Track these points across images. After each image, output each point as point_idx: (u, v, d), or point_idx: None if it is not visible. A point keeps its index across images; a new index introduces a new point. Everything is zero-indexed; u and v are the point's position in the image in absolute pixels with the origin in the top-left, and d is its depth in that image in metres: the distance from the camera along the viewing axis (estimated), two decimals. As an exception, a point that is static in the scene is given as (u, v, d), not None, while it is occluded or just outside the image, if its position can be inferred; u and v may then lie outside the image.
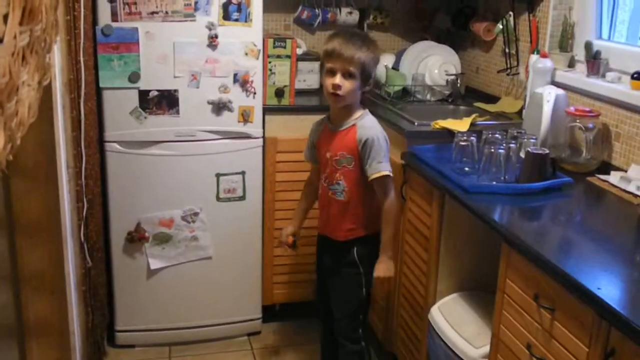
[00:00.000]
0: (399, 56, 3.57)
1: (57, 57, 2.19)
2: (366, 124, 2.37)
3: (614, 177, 2.35)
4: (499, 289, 2.02)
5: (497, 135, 2.46)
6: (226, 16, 2.85)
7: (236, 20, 2.87)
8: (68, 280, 2.32)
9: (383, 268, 2.40)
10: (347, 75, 2.28)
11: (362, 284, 2.48)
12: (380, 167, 2.33)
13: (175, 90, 2.88)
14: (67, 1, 2.36)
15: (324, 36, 3.68)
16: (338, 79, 2.28)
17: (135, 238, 2.99)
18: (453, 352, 2.31)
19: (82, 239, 2.56)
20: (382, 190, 2.37)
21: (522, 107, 3.01)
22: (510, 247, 1.93)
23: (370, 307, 2.65)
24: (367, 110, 2.43)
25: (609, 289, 1.60)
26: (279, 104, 3.14)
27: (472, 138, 2.50)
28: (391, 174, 2.36)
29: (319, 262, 2.64)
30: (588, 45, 2.69)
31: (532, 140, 2.43)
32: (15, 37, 0.70)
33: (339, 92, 2.29)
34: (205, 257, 3.10)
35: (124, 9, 2.73)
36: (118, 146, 2.89)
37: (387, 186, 2.37)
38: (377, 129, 2.38)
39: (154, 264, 3.04)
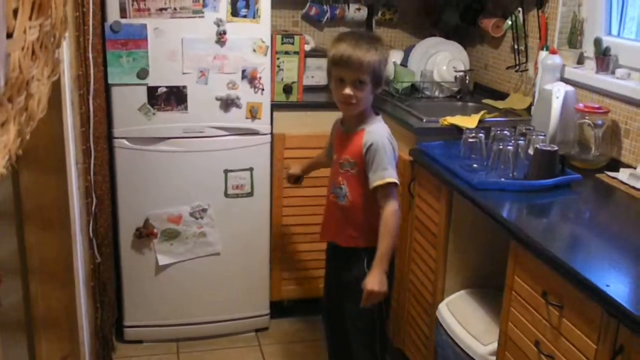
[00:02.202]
0: (407, 53, 3.57)
1: (66, 53, 2.20)
2: (374, 129, 2.26)
3: (623, 174, 2.34)
4: (507, 286, 2.01)
5: (505, 132, 2.46)
6: (234, 12, 2.85)
7: (244, 16, 2.87)
8: (77, 276, 2.32)
9: (376, 281, 2.17)
10: (358, 83, 2.19)
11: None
12: (386, 174, 2.21)
13: (184, 87, 2.88)
14: (76, -3, 2.36)
15: (333, 32, 3.68)
16: (349, 89, 2.18)
17: (144, 234, 3.00)
18: (461, 348, 2.31)
19: (91, 234, 2.57)
20: (384, 199, 2.22)
21: (531, 104, 3.00)
22: (519, 244, 1.92)
23: (387, 320, 2.50)
24: (379, 117, 2.34)
25: (617, 286, 1.59)
26: (287, 100, 3.14)
27: (480, 135, 2.50)
28: (397, 182, 2.23)
29: (328, 273, 2.58)
30: (597, 42, 2.67)
31: (541, 137, 2.43)
32: (24, 31, 0.71)
33: (352, 101, 2.21)
34: (214, 253, 3.11)
35: (132, 5, 2.74)
36: (127, 142, 2.90)
37: (390, 195, 2.22)
38: (384, 135, 2.26)
39: (162, 260, 3.05)
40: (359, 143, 2.26)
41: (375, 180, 2.21)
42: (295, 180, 2.72)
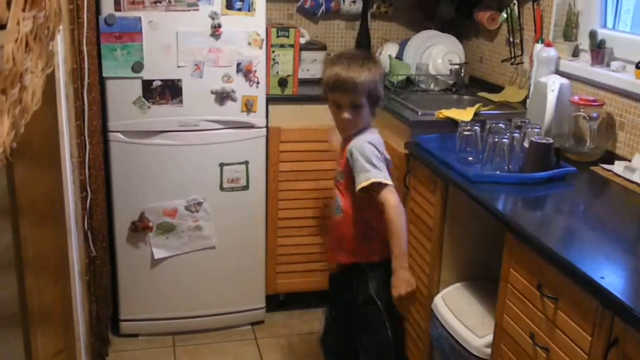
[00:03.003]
0: (402, 46, 3.56)
1: (60, 46, 2.19)
2: (361, 137, 2.18)
3: (618, 167, 2.35)
4: (502, 278, 2.02)
5: (500, 125, 2.46)
6: (229, 5, 2.84)
7: (239, 9, 2.86)
8: (72, 270, 2.32)
9: (401, 282, 2.05)
10: (354, 107, 2.14)
11: (384, 321, 2.24)
12: (369, 175, 2.09)
13: (179, 80, 2.87)
14: (70, -10, 2.35)
15: (328, 25, 3.68)
16: (347, 114, 2.14)
17: (139, 228, 2.99)
18: (456, 341, 2.31)
19: (86, 228, 2.57)
20: (380, 199, 2.10)
21: (526, 97, 3.00)
22: (514, 237, 1.93)
23: (403, 345, 2.45)
24: (373, 129, 2.25)
25: (612, 278, 1.60)
26: (283, 93, 3.13)
27: (475, 127, 2.50)
28: (385, 182, 2.09)
29: (333, 301, 2.48)
30: (592, 35, 2.67)
31: (536, 130, 2.43)
32: (18, 23, 0.70)
33: (351, 125, 2.17)
34: (209, 246, 3.11)
35: (127, -2, 2.73)
36: (121, 136, 2.89)
37: (385, 194, 2.09)
38: (365, 139, 2.16)
39: (158, 254, 3.04)
40: (345, 152, 2.21)
41: (360, 183, 2.11)
42: None
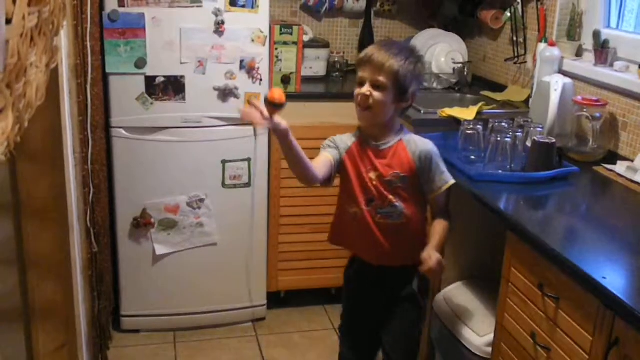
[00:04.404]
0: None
1: (63, 41, 2.19)
2: (414, 138, 2.11)
3: (620, 167, 2.35)
4: (503, 277, 2.02)
5: (503, 124, 2.46)
6: (233, 2, 2.84)
7: (243, 6, 2.86)
8: (74, 265, 2.32)
9: (431, 252, 2.05)
10: (376, 86, 1.99)
11: (419, 320, 2.28)
12: (447, 177, 2.11)
13: (182, 77, 2.88)
14: (74, -14, 2.35)
15: (331, 23, 3.68)
16: (365, 88, 2.00)
17: (141, 224, 2.99)
18: (457, 340, 2.31)
19: (89, 224, 2.57)
20: (445, 201, 2.15)
21: (529, 96, 3.00)
22: (516, 236, 1.93)
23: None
24: (404, 127, 2.17)
25: (614, 278, 1.60)
26: (286, 90, 3.12)
27: (478, 126, 2.50)
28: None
29: (359, 295, 2.31)
30: (596, 34, 2.67)
31: (539, 129, 2.43)
32: (23, 17, 0.70)
33: (368, 102, 2.00)
34: (211, 243, 3.11)
35: (130, -6, 2.73)
36: (124, 132, 2.90)
37: (449, 196, 2.16)
38: (428, 140, 2.13)
39: (160, 250, 3.05)
40: (404, 155, 2.08)
41: (443, 185, 2.10)
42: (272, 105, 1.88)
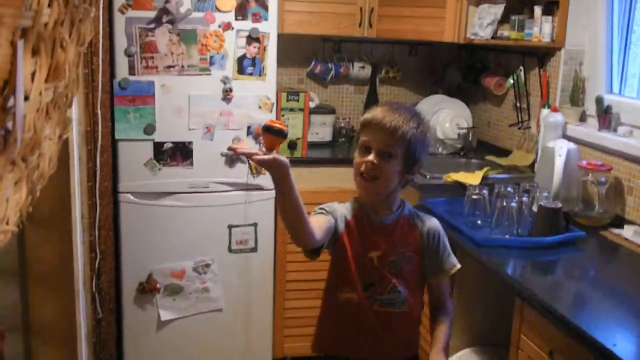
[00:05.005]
0: (410, 109, 3.61)
1: (75, 109, 2.23)
2: (418, 213, 1.88)
3: (627, 231, 2.34)
4: (512, 344, 1.99)
5: (509, 189, 2.47)
6: (241, 70, 2.90)
7: (250, 74, 2.92)
8: (79, 332, 2.31)
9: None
10: (386, 155, 1.72)
11: None
12: (454, 259, 1.87)
13: (190, 142, 2.91)
14: (85, 55, 2.41)
15: (337, 89, 3.74)
16: (372, 156, 1.71)
17: (147, 289, 2.98)
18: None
19: (94, 290, 2.57)
20: (448, 286, 1.92)
21: (534, 161, 3.02)
22: (524, 302, 1.91)
23: None
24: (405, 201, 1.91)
25: (624, 344, 1.58)
26: (292, 156, 3.16)
27: (484, 191, 2.51)
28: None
29: None
30: (599, 100, 2.71)
31: (545, 194, 2.44)
32: (40, 94, 0.73)
33: (375, 173, 1.73)
34: (216, 309, 3.09)
35: (141, 62, 2.79)
36: (132, 197, 2.91)
37: (453, 282, 1.96)
38: (432, 217, 1.91)
39: (165, 316, 3.02)
40: (410, 232, 1.83)
41: (451, 268, 1.85)
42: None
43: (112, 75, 2.79)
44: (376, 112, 1.75)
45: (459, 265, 1.87)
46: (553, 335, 1.77)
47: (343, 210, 1.81)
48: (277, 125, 1.56)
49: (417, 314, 1.86)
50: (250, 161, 1.49)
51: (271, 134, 1.55)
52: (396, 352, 1.87)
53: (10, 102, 0.67)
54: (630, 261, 2.21)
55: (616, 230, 2.39)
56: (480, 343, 2.52)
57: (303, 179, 3.13)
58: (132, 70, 2.80)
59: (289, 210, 1.61)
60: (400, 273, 1.80)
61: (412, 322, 1.87)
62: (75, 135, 2.24)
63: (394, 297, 1.79)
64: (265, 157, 1.51)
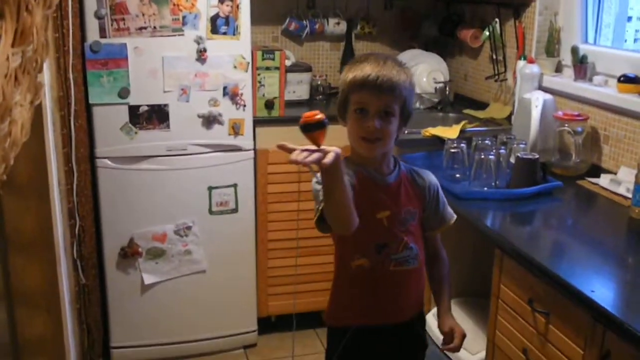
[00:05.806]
0: (387, 65, 3.59)
1: (46, 75, 2.19)
2: (416, 169, 1.86)
3: (604, 180, 2.37)
4: (493, 294, 2.02)
5: (487, 142, 2.48)
6: (214, 30, 2.86)
7: (224, 33, 2.88)
8: (63, 298, 2.31)
9: (457, 331, 1.86)
10: (384, 114, 1.67)
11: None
12: (451, 211, 1.90)
13: (165, 105, 2.88)
14: (55, 19, 2.36)
15: (312, 47, 3.71)
16: (376, 121, 1.66)
17: (129, 253, 2.98)
18: (449, 358, 2.31)
19: (76, 256, 2.56)
20: (436, 237, 1.94)
21: (511, 113, 3.03)
22: (503, 253, 1.94)
23: None
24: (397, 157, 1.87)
25: (602, 291, 1.61)
26: (269, 115, 3.14)
27: (462, 145, 2.52)
28: None
29: None
30: (574, 50, 2.71)
31: (522, 146, 2.45)
32: (7, 58, 0.71)
33: (379, 137, 1.68)
34: (199, 270, 3.09)
35: (112, 25, 2.74)
36: (109, 162, 2.89)
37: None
38: (427, 171, 1.89)
39: (148, 279, 3.03)
40: (412, 188, 1.81)
41: (450, 219, 1.89)
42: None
43: (83, 38, 2.73)
44: (365, 70, 1.66)
45: (455, 216, 1.90)
46: (532, 284, 1.80)
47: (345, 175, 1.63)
48: (315, 117, 1.44)
49: (422, 267, 1.87)
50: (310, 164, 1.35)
51: (313, 131, 1.44)
52: (408, 311, 1.87)
53: (-23, 68, 0.65)
54: (607, 209, 2.24)
55: (593, 180, 2.42)
56: (462, 294, 2.56)
57: (281, 139, 3.09)
58: (103, 32, 2.74)
59: (340, 198, 1.52)
60: (409, 229, 1.79)
61: (422, 277, 1.88)
62: (48, 101, 2.20)
63: (408, 254, 1.79)
64: (331, 156, 1.40)
